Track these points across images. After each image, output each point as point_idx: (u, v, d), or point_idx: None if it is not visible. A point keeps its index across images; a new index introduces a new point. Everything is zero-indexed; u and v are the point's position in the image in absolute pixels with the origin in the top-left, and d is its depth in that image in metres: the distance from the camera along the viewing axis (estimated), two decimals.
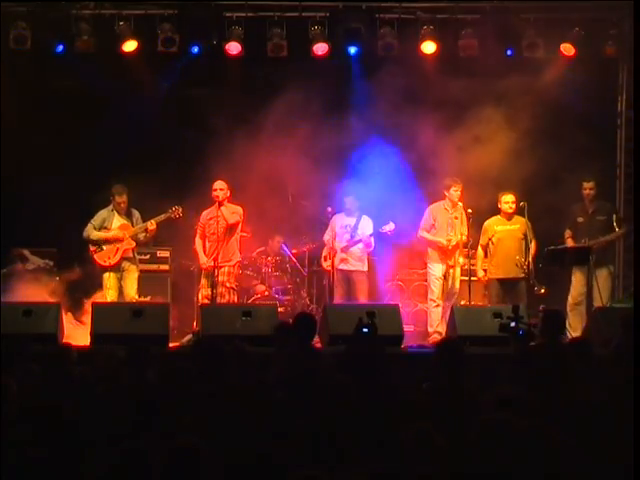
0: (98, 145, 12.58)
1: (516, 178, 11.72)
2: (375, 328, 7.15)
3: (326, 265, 12.07)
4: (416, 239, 11.95)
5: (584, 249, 11.41)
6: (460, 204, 11.60)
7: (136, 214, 11.67)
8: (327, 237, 12.09)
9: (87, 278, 11.78)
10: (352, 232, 11.93)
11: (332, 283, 11.86)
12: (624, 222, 11.82)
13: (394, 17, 12.37)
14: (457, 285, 11.63)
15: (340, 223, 12.06)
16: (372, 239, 11.85)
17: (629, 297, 12.22)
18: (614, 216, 11.80)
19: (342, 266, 11.89)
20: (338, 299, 11.76)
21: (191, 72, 12.67)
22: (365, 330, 7.13)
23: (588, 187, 11.72)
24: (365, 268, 11.97)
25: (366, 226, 11.96)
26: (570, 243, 11.72)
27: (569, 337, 11.05)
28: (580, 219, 11.72)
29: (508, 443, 4.25)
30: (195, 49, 12.43)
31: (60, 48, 12.23)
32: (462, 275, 11.66)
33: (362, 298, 11.76)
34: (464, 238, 11.56)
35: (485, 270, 11.75)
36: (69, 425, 4.75)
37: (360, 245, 11.89)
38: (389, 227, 11.74)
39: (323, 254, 12.17)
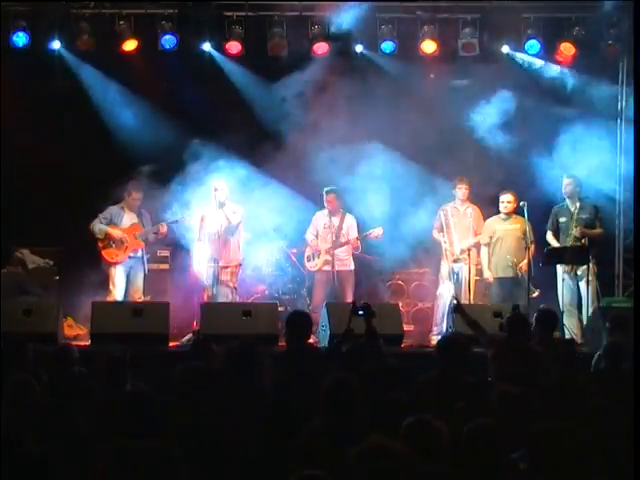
0: (98, 145, 12.58)
1: (515, 177, 11.74)
2: (372, 312, 7.05)
3: (310, 266, 11.96)
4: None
5: (584, 248, 11.34)
6: (468, 203, 11.62)
7: (147, 215, 11.75)
8: (310, 237, 11.91)
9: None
10: (337, 233, 11.70)
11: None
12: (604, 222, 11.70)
13: (394, 17, 12.38)
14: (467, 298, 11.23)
15: (323, 222, 11.85)
16: (359, 241, 11.66)
17: (629, 297, 12.23)
18: (597, 215, 11.66)
19: (326, 267, 11.71)
20: (319, 302, 11.48)
21: (191, 72, 12.68)
22: (361, 313, 7.08)
23: (567, 182, 11.49)
24: (352, 267, 11.77)
25: (351, 226, 11.78)
26: (554, 243, 11.50)
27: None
28: (563, 219, 11.49)
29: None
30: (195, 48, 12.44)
31: (60, 48, 12.24)
32: (476, 275, 11.59)
33: (348, 299, 11.45)
34: (477, 238, 11.59)
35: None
36: (70, 425, 4.75)
37: (346, 247, 11.71)
38: (377, 231, 11.59)
39: (306, 254, 12.00)
